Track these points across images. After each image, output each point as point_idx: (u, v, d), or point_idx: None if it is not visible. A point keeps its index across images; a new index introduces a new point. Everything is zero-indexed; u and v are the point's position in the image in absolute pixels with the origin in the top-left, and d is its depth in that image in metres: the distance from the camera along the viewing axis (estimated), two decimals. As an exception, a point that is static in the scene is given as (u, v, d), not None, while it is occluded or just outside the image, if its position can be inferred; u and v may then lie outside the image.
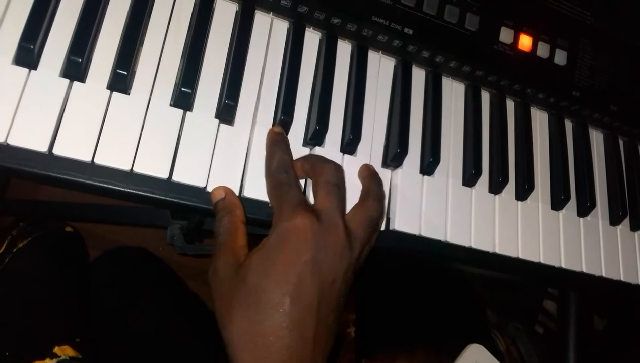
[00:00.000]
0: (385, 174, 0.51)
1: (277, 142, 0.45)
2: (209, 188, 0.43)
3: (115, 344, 0.65)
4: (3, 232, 0.70)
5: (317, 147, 0.48)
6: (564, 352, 0.68)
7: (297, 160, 0.45)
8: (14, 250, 0.67)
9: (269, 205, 0.44)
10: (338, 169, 0.43)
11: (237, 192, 0.44)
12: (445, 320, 0.82)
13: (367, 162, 0.50)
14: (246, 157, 0.45)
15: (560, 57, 0.58)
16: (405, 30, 0.52)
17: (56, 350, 0.56)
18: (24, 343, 0.57)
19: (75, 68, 0.40)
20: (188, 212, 0.79)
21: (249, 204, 0.44)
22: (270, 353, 0.36)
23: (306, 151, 0.48)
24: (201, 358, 0.65)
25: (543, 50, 0.57)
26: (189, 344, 0.65)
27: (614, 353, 1.09)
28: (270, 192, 0.43)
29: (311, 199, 0.44)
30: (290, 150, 0.45)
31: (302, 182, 0.46)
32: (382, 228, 0.48)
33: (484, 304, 1.20)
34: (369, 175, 0.47)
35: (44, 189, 1.12)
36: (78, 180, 0.40)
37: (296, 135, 0.48)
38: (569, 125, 0.62)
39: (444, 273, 0.84)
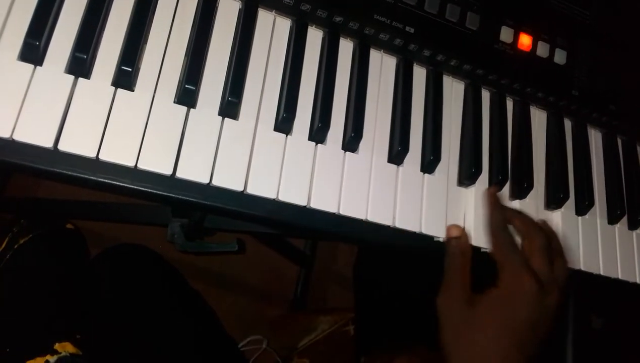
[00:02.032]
0: (390, 170, 0.51)
1: (497, 203, 0.53)
2: (214, 184, 0.43)
3: (116, 341, 0.65)
4: (4, 230, 0.70)
5: (319, 145, 0.49)
6: (562, 350, 0.69)
7: (514, 216, 0.53)
8: (15, 247, 0.67)
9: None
10: (547, 234, 0.51)
11: (240, 188, 0.44)
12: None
13: (369, 159, 0.50)
14: (250, 154, 0.46)
15: (560, 57, 0.59)
16: (407, 28, 0.52)
17: (57, 346, 0.56)
18: (25, 340, 0.57)
19: (80, 64, 0.41)
20: (191, 208, 0.79)
21: (251, 200, 0.45)
22: None
23: (311, 148, 0.48)
24: (202, 355, 0.65)
25: (543, 50, 0.58)
26: (190, 341, 0.66)
27: (612, 352, 1.09)
28: (496, 248, 0.51)
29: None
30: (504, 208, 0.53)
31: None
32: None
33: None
34: (552, 234, 0.54)
35: (44, 187, 1.13)
36: (83, 176, 0.40)
37: (300, 131, 0.48)
38: (568, 124, 0.63)
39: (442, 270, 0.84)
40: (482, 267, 0.50)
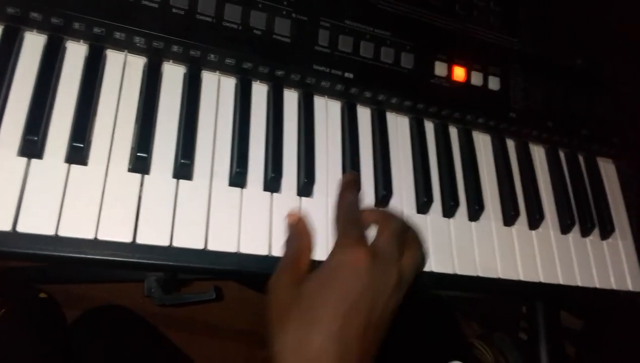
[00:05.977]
0: (342, 211, 0.53)
1: (351, 184, 0.51)
2: (175, 245, 0.45)
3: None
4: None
5: (274, 194, 0.51)
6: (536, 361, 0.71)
7: (367, 210, 0.51)
8: (-12, 323, 0.66)
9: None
10: (405, 223, 0.49)
11: (201, 246, 0.46)
12: (425, 341, 0.84)
13: (324, 201, 0.52)
14: (208, 211, 0.47)
15: (494, 83, 0.63)
16: (346, 75, 0.55)
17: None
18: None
19: (32, 146, 0.42)
20: (157, 270, 0.79)
21: (214, 256, 0.46)
22: None
23: (267, 197, 0.51)
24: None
25: (477, 79, 0.62)
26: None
27: (593, 352, 1.11)
28: (338, 222, 0.49)
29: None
30: (358, 195, 0.51)
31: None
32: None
33: (466, 318, 1.22)
34: (413, 232, 0.51)
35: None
36: (45, 253, 0.41)
37: (254, 183, 0.50)
38: (511, 144, 0.66)
39: (419, 296, 0.86)
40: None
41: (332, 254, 0.44)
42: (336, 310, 0.40)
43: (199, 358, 0.87)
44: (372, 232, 0.48)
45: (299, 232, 0.49)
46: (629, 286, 0.65)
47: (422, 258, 0.49)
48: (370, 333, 0.42)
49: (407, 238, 0.49)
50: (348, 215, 0.48)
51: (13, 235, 0.40)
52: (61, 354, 0.67)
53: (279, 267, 0.46)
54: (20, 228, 0.40)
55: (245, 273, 0.49)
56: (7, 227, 0.40)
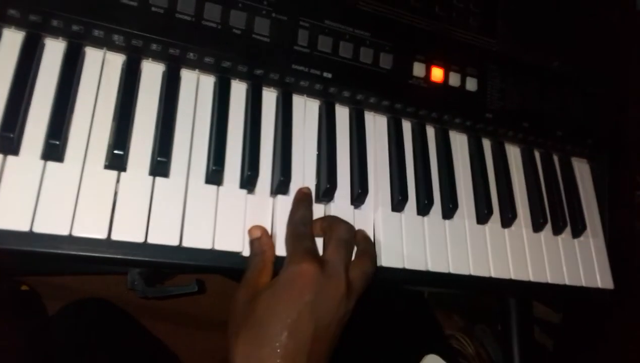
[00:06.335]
0: (318, 209, 0.54)
1: (302, 200, 0.52)
2: (150, 241, 0.46)
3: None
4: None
5: (250, 191, 0.52)
6: (509, 354, 0.73)
7: (316, 219, 0.52)
8: (-32, 317, 0.67)
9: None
10: (350, 229, 0.50)
11: (176, 243, 0.47)
12: (403, 336, 0.85)
13: (300, 200, 0.53)
14: (183, 208, 0.48)
15: (471, 84, 0.64)
16: (325, 74, 0.56)
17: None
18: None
19: (7, 142, 0.43)
20: (133, 265, 0.80)
21: (188, 253, 0.47)
22: None
23: (243, 195, 0.51)
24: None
25: (454, 80, 0.63)
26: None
27: (570, 345, 1.14)
28: (287, 239, 0.50)
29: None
30: (312, 209, 0.52)
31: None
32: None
33: (448, 311, 1.24)
34: (362, 237, 0.53)
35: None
36: (20, 248, 0.42)
37: (231, 181, 0.51)
38: (487, 144, 0.67)
39: (395, 293, 0.87)
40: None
41: (282, 270, 0.46)
42: (282, 323, 0.42)
43: (183, 348, 0.88)
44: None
45: (260, 248, 0.49)
46: (599, 283, 0.67)
47: (372, 265, 0.50)
48: (317, 346, 0.43)
49: (358, 244, 0.50)
50: (297, 230, 0.49)
51: (-12, 231, 0.41)
52: (43, 347, 0.68)
53: (242, 283, 0.47)
54: (-4, 225, 0.41)
55: (220, 269, 0.50)
56: (-18, 223, 0.40)
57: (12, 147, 0.43)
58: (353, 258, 0.50)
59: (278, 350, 0.41)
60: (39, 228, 0.42)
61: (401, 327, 0.86)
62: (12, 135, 0.43)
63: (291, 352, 0.42)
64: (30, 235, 0.42)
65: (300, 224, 0.50)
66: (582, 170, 0.74)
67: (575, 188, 0.72)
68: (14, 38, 0.47)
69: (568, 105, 0.70)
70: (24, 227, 0.41)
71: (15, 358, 0.64)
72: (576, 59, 0.72)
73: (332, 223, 0.51)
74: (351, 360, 0.80)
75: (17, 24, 0.47)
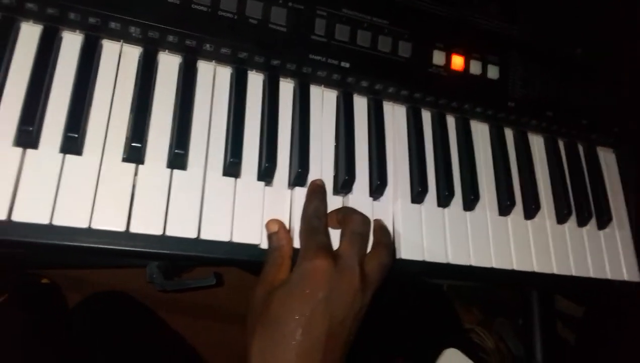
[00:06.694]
0: (336, 201, 0.54)
1: (316, 192, 0.51)
2: (168, 234, 0.46)
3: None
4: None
5: (267, 187, 0.51)
6: (531, 348, 0.71)
7: (332, 211, 0.51)
8: (-10, 309, 0.68)
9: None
10: (365, 221, 0.49)
11: (194, 235, 0.46)
12: (423, 329, 0.85)
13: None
14: (201, 201, 0.48)
15: (493, 72, 0.62)
16: (342, 64, 0.55)
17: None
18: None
19: (27, 136, 0.43)
20: (152, 258, 0.80)
21: (206, 245, 0.47)
22: None
23: (261, 187, 0.51)
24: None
25: (475, 68, 0.61)
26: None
27: (593, 340, 1.12)
28: (301, 233, 0.49)
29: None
30: (326, 201, 0.51)
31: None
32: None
33: (468, 304, 1.23)
34: (379, 227, 0.52)
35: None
36: (37, 241, 0.42)
37: (248, 173, 0.51)
38: (509, 133, 0.66)
39: (417, 285, 0.87)
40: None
41: (296, 266, 0.45)
42: (296, 321, 0.42)
43: (201, 341, 0.88)
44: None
45: (278, 242, 0.48)
46: (625, 276, 0.65)
47: (388, 256, 0.49)
48: (333, 341, 0.43)
49: (374, 234, 0.49)
50: (310, 224, 0.48)
51: (8, 224, 0.41)
52: (62, 339, 0.69)
53: (260, 278, 0.47)
54: (16, 217, 0.41)
55: (238, 262, 0.50)
56: (2, 216, 0.41)
57: (31, 140, 0.43)
58: (369, 249, 0.49)
59: (293, 348, 0.41)
60: (58, 221, 0.42)
61: (421, 320, 0.85)
62: (31, 129, 0.43)
63: (306, 349, 0.41)
64: (50, 228, 0.42)
65: (314, 218, 0.49)
66: (607, 159, 0.72)
67: (600, 179, 0.70)
68: (32, 32, 0.47)
69: (593, 93, 0.68)
70: (43, 220, 0.42)
71: (36, 350, 0.65)
72: (600, 46, 0.70)
73: (346, 215, 0.50)
74: (370, 353, 0.80)
75: (35, 17, 0.47)
